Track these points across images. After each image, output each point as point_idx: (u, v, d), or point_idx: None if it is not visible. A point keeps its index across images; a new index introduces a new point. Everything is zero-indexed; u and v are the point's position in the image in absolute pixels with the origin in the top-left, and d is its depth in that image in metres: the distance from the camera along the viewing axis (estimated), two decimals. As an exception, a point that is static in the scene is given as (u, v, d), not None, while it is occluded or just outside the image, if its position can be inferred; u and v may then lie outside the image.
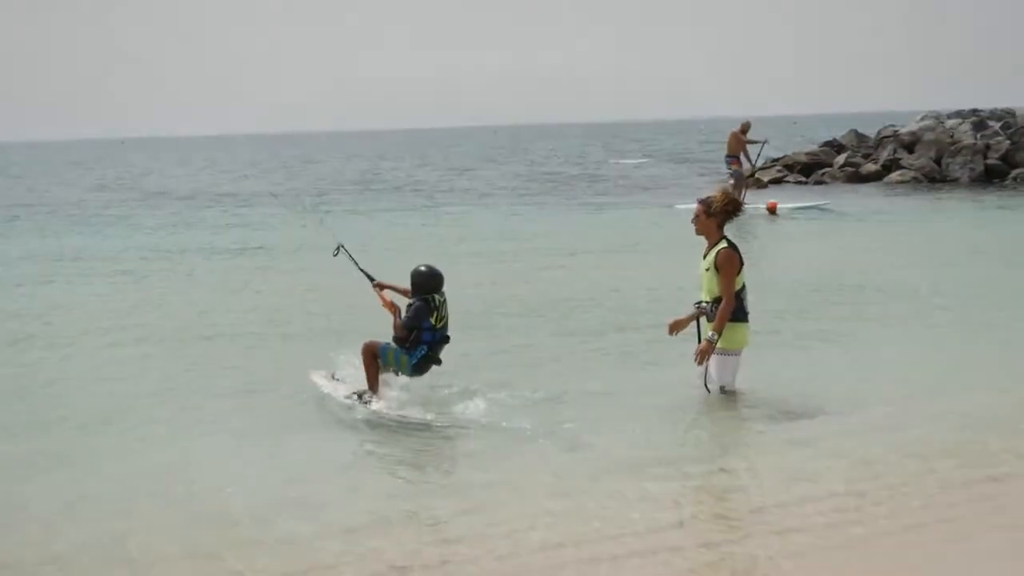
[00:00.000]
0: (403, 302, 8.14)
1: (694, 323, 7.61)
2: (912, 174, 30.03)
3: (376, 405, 7.96)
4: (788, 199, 24.64)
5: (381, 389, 8.04)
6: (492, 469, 6.63)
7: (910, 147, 31.41)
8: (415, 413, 7.69)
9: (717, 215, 7.49)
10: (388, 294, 8.34)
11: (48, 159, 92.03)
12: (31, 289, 14.55)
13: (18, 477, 6.74)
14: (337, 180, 41.50)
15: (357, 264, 8.50)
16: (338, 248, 8.63)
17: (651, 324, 10.00)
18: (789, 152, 36.50)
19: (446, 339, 8.10)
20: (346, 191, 34.76)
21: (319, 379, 8.50)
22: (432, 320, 7.92)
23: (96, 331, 11.31)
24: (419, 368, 8.07)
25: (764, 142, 24.45)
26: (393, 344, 8.01)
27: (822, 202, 24.43)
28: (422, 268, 8.02)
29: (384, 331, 8.02)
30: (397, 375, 8.15)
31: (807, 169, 32.89)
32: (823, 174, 32.13)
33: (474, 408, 7.76)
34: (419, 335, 7.93)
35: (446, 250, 17.34)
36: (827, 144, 35.67)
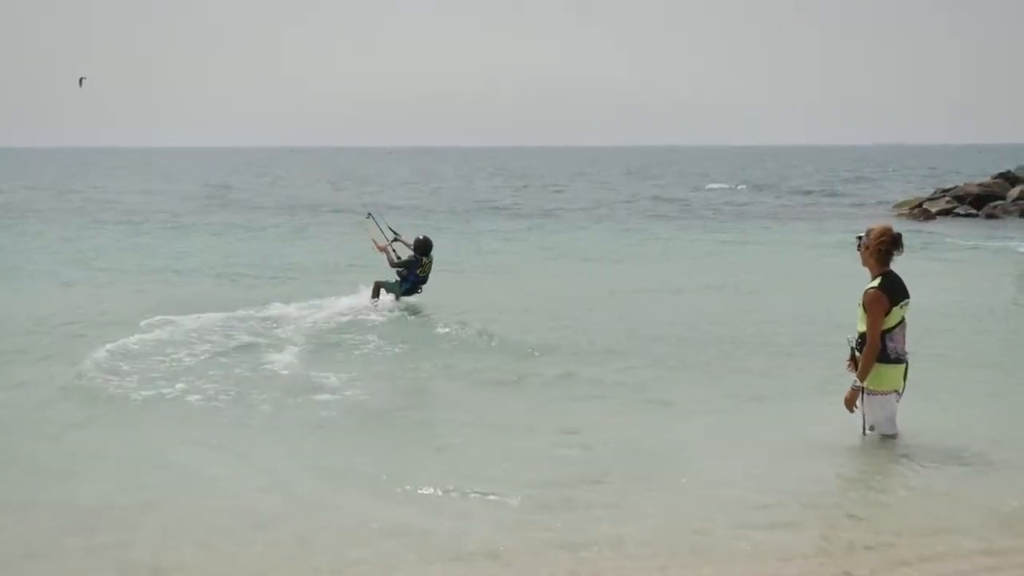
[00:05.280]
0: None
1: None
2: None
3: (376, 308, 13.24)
4: (961, 232, 23.35)
5: None
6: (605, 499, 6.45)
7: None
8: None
9: (871, 251, 7.12)
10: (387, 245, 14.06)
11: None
12: None
13: None
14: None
15: (378, 224, 13.98)
16: (368, 214, 14.35)
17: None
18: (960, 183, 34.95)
19: (424, 280, 13.70)
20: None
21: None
22: (417, 271, 13.59)
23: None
24: (407, 293, 13.63)
25: None
26: (392, 281, 13.66)
27: None
28: (420, 237, 13.72)
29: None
30: (397, 299, 13.57)
31: (978, 201, 31.38)
32: (995, 207, 30.60)
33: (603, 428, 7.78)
34: (407, 275, 13.61)
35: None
36: (1001, 176, 33.95)
